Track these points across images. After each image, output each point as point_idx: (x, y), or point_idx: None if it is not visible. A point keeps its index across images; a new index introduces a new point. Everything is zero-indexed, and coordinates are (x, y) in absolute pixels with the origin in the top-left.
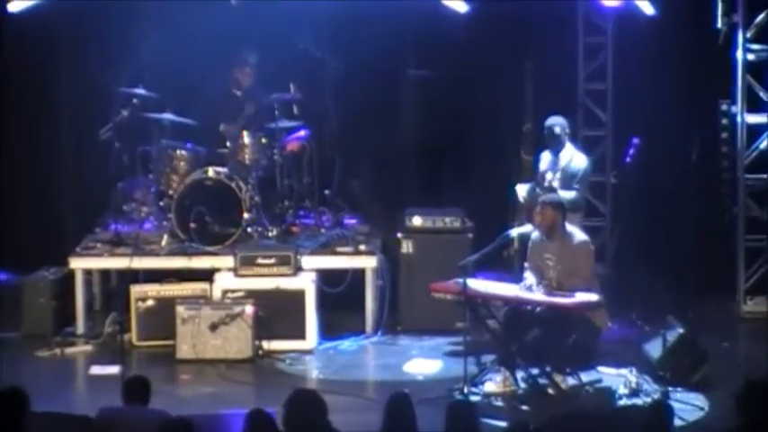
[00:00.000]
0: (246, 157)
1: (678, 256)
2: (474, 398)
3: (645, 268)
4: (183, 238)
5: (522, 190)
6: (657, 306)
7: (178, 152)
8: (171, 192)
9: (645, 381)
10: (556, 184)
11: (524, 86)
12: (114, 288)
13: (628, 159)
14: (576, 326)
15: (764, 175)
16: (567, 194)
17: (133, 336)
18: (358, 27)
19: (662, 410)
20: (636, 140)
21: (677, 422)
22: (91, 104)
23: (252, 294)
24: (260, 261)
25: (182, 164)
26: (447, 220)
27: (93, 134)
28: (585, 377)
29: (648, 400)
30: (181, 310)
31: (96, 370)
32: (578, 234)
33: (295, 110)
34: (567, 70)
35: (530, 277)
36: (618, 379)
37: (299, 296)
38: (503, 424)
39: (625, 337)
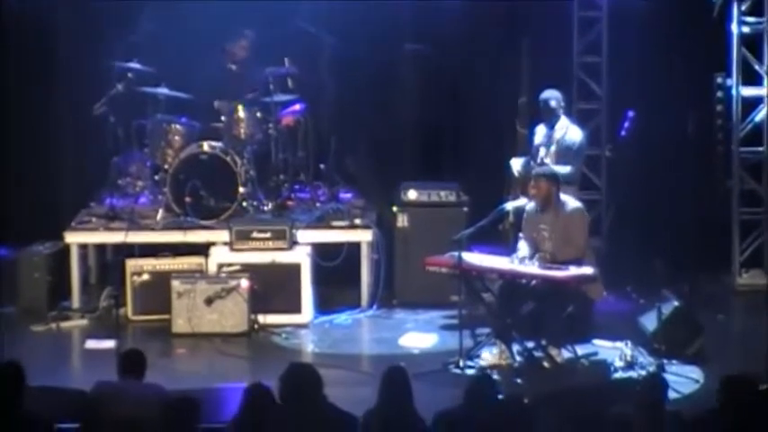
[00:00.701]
0: (242, 131)
1: (673, 229)
2: (469, 371)
3: (640, 241)
4: (179, 212)
5: (516, 164)
6: (652, 279)
7: (173, 126)
8: (166, 166)
9: (640, 353)
10: (548, 160)
11: (520, 60)
12: (110, 262)
13: (623, 132)
14: (572, 299)
15: (760, 148)
16: (563, 169)
17: (129, 310)
18: (354, 2)
19: (656, 383)
20: (631, 113)
21: (673, 395)
22: (86, 79)
23: (247, 268)
24: (255, 235)
25: (177, 138)
26: (442, 193)
27: (88, 108)
28: (581, 350)
29: (643, 372)
30: (176, 284)
31: (92, 344)
32: (572, 202)
33: (290, 84)
34: (562, 44)
35: (523, 248)
36: (613, 352)
37: (294, 270)
38: (499, 397)
39: (620, 310)
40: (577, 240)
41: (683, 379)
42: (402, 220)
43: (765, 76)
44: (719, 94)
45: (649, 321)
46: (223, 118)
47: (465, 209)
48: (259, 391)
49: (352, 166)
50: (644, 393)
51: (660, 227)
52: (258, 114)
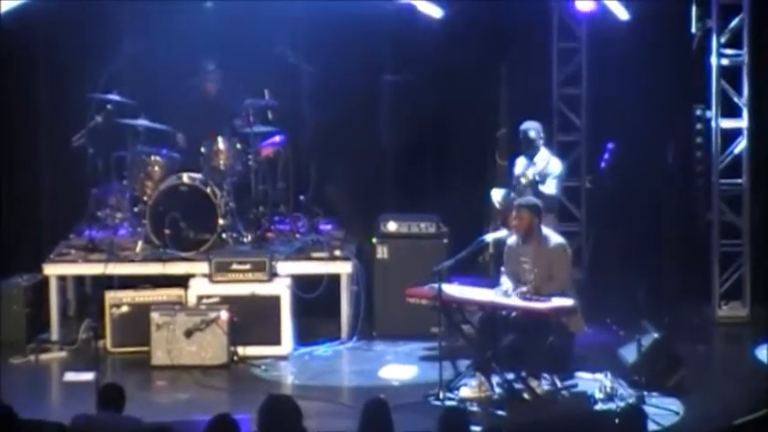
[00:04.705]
0: (221, 162)
1: (653, 261)
2: (449, 403)
3: (620, 273)
4: (158, 243)
5: (497, 195)
6: (632, 311)
7: (153, 158)
8: (145, 198)
9: (620, 385)
10: (532, 178)
11: (499, 92)
12: (89, 294)
13: (603, 164)
14: (552, 331)
15: (739, 180)
16: (547, 189)
17: (108, 342)
18: (333, 32)
19: (635, 414)
20: (610, 145)
21: (653, 427)
22: (65, 110)
23: (227, 300)
24: (235, 267)
25: (156, 170)
26: (422, 225)
27: (67, 140)
28: (561, 382)
29: (623, 404)
30: (155, 316)
31: (71, 376)
32: (554, 237)
33: (270, 115)
34: (542, 75)
35: (506, 282)
36: (593, 383)
37: (274, 302)
38: (478, 429)
39: (600, 341)
40: (561, 276)
41: (663, 411)
42: (382, 252)
43: (744, 108)
44: (699, 126)
45: (629, 353)
46: (203, 150)
47: (445, 240)
48: (222, 423)
49: (332, 198)
50: (623, 425)
51: (640, 258)
52: (238, 146)
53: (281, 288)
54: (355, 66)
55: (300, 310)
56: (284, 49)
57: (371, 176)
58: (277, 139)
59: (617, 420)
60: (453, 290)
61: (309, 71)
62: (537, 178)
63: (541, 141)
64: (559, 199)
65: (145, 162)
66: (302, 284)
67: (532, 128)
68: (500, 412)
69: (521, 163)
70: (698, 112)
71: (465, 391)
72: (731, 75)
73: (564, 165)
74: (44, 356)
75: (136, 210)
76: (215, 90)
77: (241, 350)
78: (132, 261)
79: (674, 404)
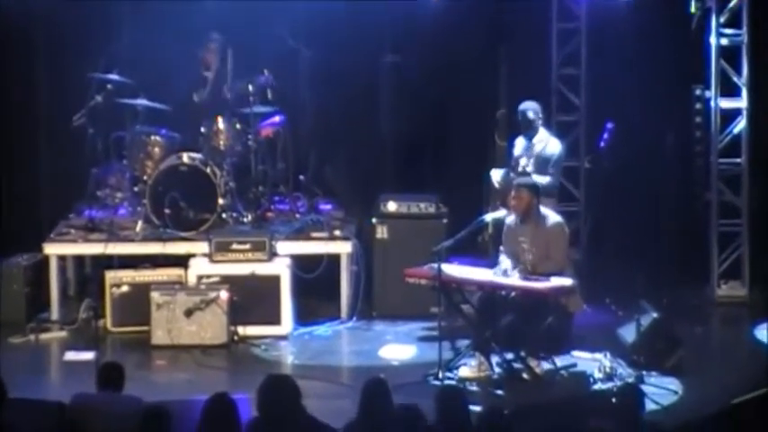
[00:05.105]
0: (221, 142)
1: (652, 241)
2: (449, 383)
3: (619, 253)
4: (158, 223)
5: (496, 175)
6: (631, 291)
7: (152, 138)
8: (145, 177)
9: (619, 365)
10: (530, 169)
11: (499, 72)
12: (89, 274)
13: (602, 144)
14: (551, 310)
15: (738, 160)
16: (542, 179)
17: (108, 322)
18: (333, 14)
19: (631, 392)
20: (610, 125)
21: (652, 406)
22: (65, 90)
23: (227, 280)
24: (235, 247)
25: (156, 149)
26: (422, 205)
27: (67, 120)
28: (560, 362)
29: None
30: (155, 295)
31: (71, 356)
32: (553, 216)
33: (269, 95)
34: (541, 56)
35: (505, 261)
36: (592, 363)
37: (273, 282)
38: (477, 409)
39: (599, 321)
40: (557, 256)
41: (663, 390)
42: (381, 232)
43: (743, 88)
44: (698, 106)
45: (628, 333)
46: (203, 129)
47: (444, 220)
48: (219, 403)
49: (332, 178)
50: (620, 403)
51: (639, 238)
52: (238, 126)
53: (280, 268)
54: (355, 47)
55: (300, 289)
56: (284, 31)
57: (371, 157)
58: (277, 119)
59: (614, 399)
60: (453, 270)
61: (308, 55)
62: (532, 168)
63: (540, 122)
64: (558, 185)
65: (145, 142)
66: (302, 264)
67: (530, 108)
68: (499, 392)
69: (520, 143)
70: (697, 92)
71: (464, 371)
72: (730, 54)
73: (563, 145)
74: (44, 336)
75: (136, 189)
76: (216, 61)
77: (241, 330)
78: (132, 241)
79: (674, 384)
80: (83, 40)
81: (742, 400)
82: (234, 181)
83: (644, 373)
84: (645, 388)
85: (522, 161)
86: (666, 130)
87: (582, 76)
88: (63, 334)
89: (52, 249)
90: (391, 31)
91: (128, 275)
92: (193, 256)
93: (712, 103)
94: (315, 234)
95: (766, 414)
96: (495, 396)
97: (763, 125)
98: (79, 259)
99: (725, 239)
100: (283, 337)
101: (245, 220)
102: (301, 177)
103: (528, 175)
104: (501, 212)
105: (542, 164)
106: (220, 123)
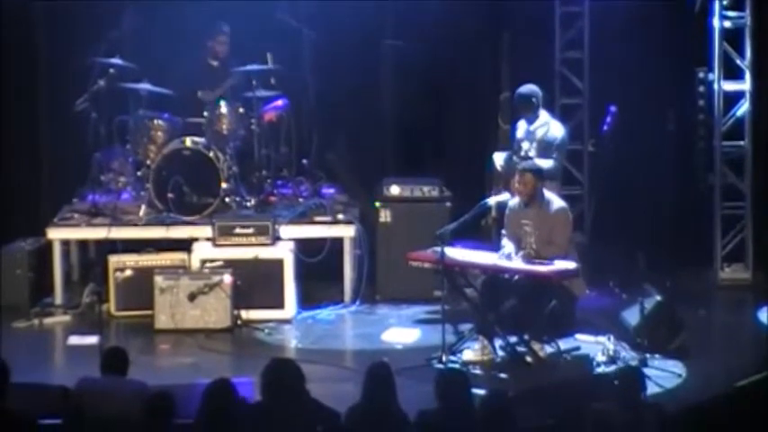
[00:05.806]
0: (224, 126)
1: (655, 224)
2: (452, 366)
3: (622, 236)
4: (161, 208)
5: (499, 159)
6: (635, 274)
7: (155, 122)
8: (148, 162)
9: (622, 348)
10: (532, 153)
11: (501, 56)
12: (92, 258)
13: (605, 127)
14: (554, 294)
15: (741, 143)
16: (545, 163)
17: (111, 306)
18: None
19: (633, 376)
20: (613, 108)
21: (655, 389)
22: (68, 75)
23: (230, 264)
24: (238, 231)
25: (159, 134)
26: (425, 189)
27: (70, 104)
28: (564, 345)
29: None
30: (159, 280)
31: (74, 340)
32: (557, 201)
33: (272, 80)
34: (544, 39)
35: (508, 245)
36: (596, 346)
37: (277, 266)
38: (481, 392)
39: (603, 304)
40: (560, 241)
41: (666, 373)
42: (385, 216)
43: (747, 71)
44: (701, 88)
45: (632, 316)
46: (205, 113)
47: (448, 204)
48: (221, 387)
49: (335, 162)
50: (622, 386)
51: (642, 222)
52: (240, 110)
53: (284, 252)
54: (357, 31)
55: (303, 273)
56: (285, 13)
57: (374, 140)
58: (279, 103)
59: (616, 382)
60: (456, 253)
61: (311, 35)
62: (535, 152)
63: (540, 105)
64: (562, 169)
65: (147, 126)
66: (305, 248)
67: (529, 92)
68: (502, 375)
69: (522, 127)
70: (700, 75)
71: (468, 355)
72: (734, 37)
73: (566, 128)
74: (48, 320)
75: (139, 174)
76: (225, 52)
77: (244, 314)
78: (135, 225)
79: (677, 366)
80: (86, 25)
81: (745, 382)
82: (237, 165)
83: (647, 356)
84: (648, 371)
85: (525, 145)
86: (670, 113)
87: (585, 60)
88: (67, 318)
89: (56, 234)
90: (393, 16)
91: (131, 260)
92: (196, 240)
93: (715, 86)
94: (318, 218)
95: None
96: (498, 379)
97: (766, 108)
98: (83, 244)
99: (728, 222)
100: (287, 321)
101: (248, 204)
102: (304, 161)
103: (530, 158)
104: (504, 196)
105: (545, 148)
106: (223, 108)
